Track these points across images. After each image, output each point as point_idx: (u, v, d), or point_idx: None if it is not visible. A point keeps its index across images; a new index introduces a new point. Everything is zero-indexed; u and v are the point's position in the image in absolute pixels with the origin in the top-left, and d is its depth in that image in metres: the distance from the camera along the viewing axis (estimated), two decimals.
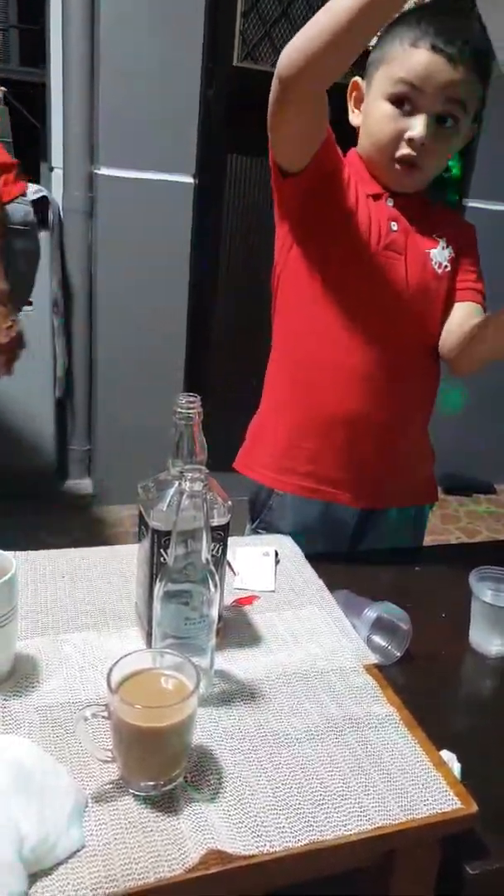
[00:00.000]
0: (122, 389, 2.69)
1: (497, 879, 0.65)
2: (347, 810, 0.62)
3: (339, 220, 1.05)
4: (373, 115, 1.03)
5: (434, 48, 0.96)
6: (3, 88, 2.53)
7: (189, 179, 2.53)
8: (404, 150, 1.01)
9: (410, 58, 0.97)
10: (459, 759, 0.72)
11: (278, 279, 1.14)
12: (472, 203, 2.87)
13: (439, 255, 1.10)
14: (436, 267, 1.09)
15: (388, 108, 1.00)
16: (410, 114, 1.00)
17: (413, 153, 1.01)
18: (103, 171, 2.44)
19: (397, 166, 1.03)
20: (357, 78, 1.08)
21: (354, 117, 1.09)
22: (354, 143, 1.11)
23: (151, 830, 0.58)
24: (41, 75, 2.64)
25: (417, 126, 0.99)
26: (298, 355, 1.13)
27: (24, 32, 3.17)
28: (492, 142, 2.82)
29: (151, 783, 0.61)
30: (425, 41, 0.96)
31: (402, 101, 0.99)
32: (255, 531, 1.22)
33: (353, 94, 1.09)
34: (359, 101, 1.08)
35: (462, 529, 3.00)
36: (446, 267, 1.10)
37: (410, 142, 1.00)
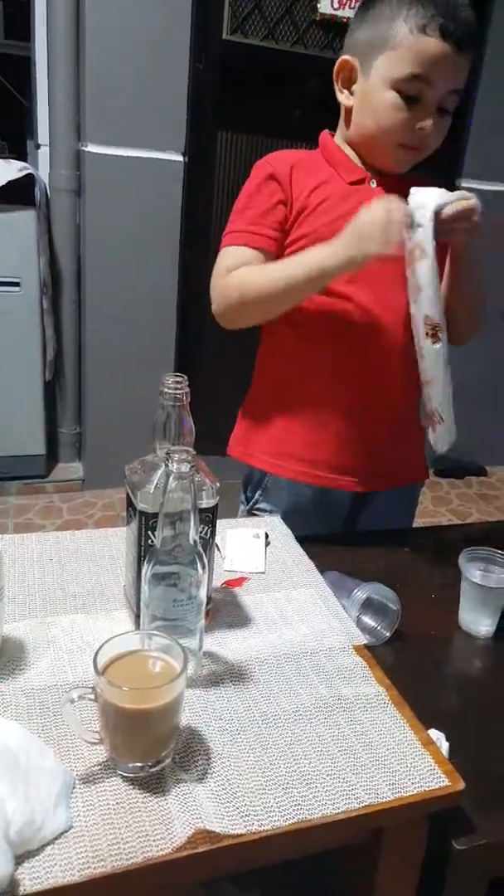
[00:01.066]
0: (111, 372, 2.67)
1: (483, 855, 0.65)
2: (335, 789, 0.62)
3: (317, 228, 1.04)
4: (377, 102, 1.01)
5: (444, 34, 0.94)
6: None
7: (178, 157, 2.49)
8: (411, 137, 1.02)
9: (421, 46, 0.95)
10: (447, 738, 0.72)
11: None
12: (465, 183, 2.85)
13: None
14: None
15: (395, 97, 0.99)
16: (415, 102, 0.99)
17: (418, 142, 1.03)
18: (90, 148, 2.41)
19: (401, 150, 1.04)
20: (347, 57, 1.04)
21: (344, 98, 1.07)
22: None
23: (139, 811, 0.58)
24: (27, 49, 2.59)
25: (428, 119, 1.00)
26: (289, 340, 1.12)
27: (9, 5, 3.11)
28: (485, 122, 2.80)
29: (139, 764, 0.61)
30: (434, 26, 0.94)
31: (410, 91, 0.98)
32: (249, 512, 1.22)
33: (341, 73, 1.05)
34: (348, 82, 1.05)
35: (453, 511, 3.01)
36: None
37: (420, 131, 1.01)
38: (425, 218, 0.93)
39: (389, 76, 0.99)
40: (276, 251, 1.06)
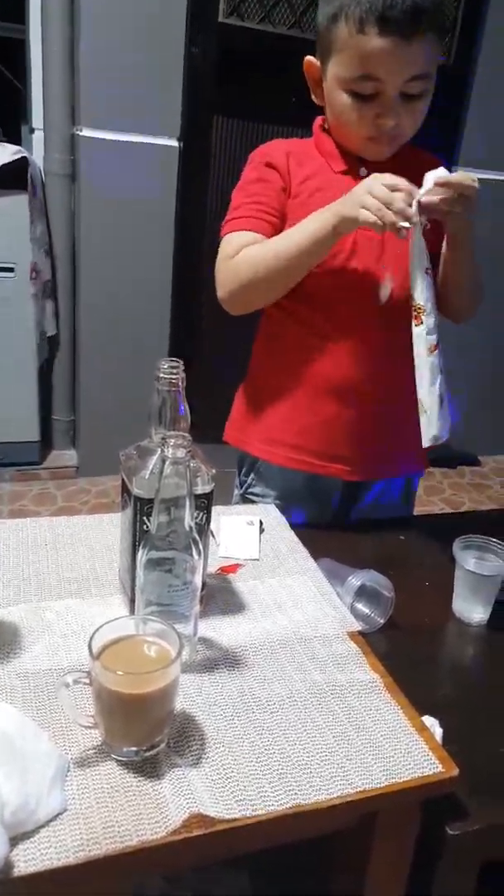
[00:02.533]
0: (106, 358, 2.66)
1: (476, 840, 0.66)
2: (330, 775, 0.62)
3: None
4: (334, 104, 1.01)
5: (383, 29, 0.90)
6: None
7: (173, 143, 2.47)
8: (377, 131, 1.00)
9: (361, 47, 0.92)
10: (441, 725, 0.72)
11: None
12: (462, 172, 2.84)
13: None
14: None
15: (348, 98, 0.98)
16: (373, 98, 0.97)
17: (386, 133, 1.00)
18: (85, 132, 2.38)
19: (371, 144, 1.02)
20: (310, 58, 1.03)
21: (316, 98, 1.06)
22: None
23: (134, 794, 0.58)
24: (21, 31, 2.55)
25: (385, 117, 0.97)
26: (286, 329, 1.12)
27: None
28: (482, 109, 2.78)
29: (134, 749, 0.61)
30: (371, 21, 0.90)
31: (363, 90, 0.96)
32: (242, 497, 1.22)
33: (310, 73, 1.04)
34: (317, 82, 1.04)
35: (446, 501, 3.02)
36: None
37: (381, 126, 0.99)
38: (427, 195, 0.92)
39: (339, 79, 0.97)
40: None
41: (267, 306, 1.14)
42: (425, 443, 0.98)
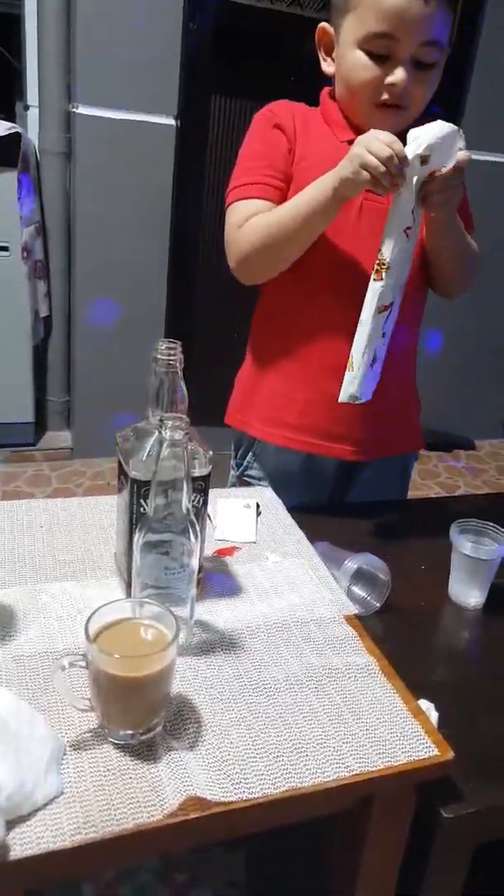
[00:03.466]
0: (101, 339, 2.64)
1: (470, 822, 0.66)
2: (326, 758, 0.62)
3: (310, 181, 1.01)
4: (346, 64, 0.99)
5: None
6: None
7: (170, 121, 2.44)
8: (385, 96, 0.99)
9: (379, 3, 0.93)
10: (437, 708, 0.72)
11: None
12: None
13: None
14: None
15: (362, 56, 0.97)
16: (386, 60, 0.96)
17: (395, 99, 0.99)
18: (81, 109, 2.34)
19: (377, 112, 1.00)
20: (324, 24, 1.02)
21: (326, 66, 1.05)
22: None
23: (130, 777, 0.58)
24: (16, 6, 2.50)
25: (397, 73, 0.96)
26: (287, 306, 1.10)
27: None
28: (482, 92, 2.75)
29: (130, 732, 0.60)
30: None
31: (377, 49, 0.95)
32: (239, 479, 1.21)
33: (322, 41, 1.04)
34: (329, 49, 1.03)
35: (441, 485, 3.02)
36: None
37: (391, 87, 0.97)
38: (416, 151, 0.89)
39: (355, 37, 0.97)
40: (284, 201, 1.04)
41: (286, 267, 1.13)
42: (342, 398, 0.97)
